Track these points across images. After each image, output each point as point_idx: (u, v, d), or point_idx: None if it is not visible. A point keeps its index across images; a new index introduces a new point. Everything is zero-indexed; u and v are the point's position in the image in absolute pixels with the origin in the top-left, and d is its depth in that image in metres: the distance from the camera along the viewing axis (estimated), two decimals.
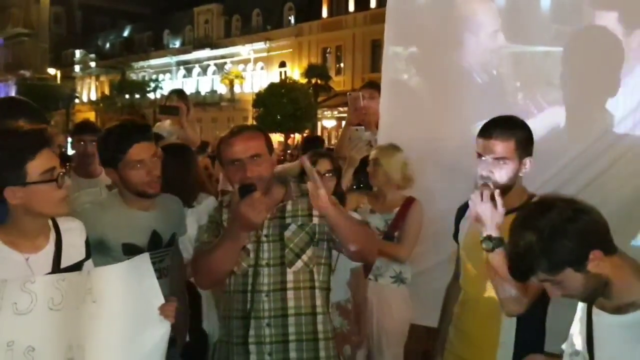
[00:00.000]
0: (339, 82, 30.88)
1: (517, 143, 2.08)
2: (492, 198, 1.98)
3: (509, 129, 2.10)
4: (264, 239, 2.18)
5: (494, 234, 1.96)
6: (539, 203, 1.65)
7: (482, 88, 3.19)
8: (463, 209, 2.35)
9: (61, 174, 1.77)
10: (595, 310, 1.60)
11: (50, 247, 1.82)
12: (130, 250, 2.27)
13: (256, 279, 2.15)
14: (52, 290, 1.66)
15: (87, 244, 1.98)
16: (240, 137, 2.18)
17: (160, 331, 1.87)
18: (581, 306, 1.67)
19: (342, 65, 33.01)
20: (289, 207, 2.22)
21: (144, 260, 1.91)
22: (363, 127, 3.60)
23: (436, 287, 3.25)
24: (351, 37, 31.82)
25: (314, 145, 4.92)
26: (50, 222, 1.88)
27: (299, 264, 2.17)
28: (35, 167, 1.70)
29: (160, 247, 2.38)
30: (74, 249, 1.89)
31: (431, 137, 3.35)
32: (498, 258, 1.93)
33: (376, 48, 27.75)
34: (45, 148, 1.74)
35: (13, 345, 1.56)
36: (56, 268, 1.80)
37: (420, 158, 3.35)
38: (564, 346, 1.79)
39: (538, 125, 3.00)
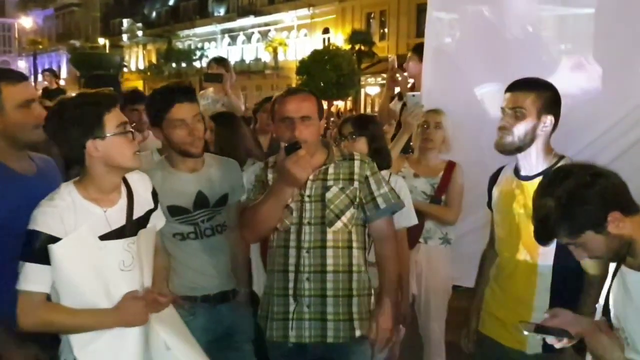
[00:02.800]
0: (382, 48, 30.32)
1: (536, 97, 2.13)
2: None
3: (531, 84, 2.17)
4: (307, 199, 2.28)
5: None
6: (558, 171, 1.70)
7: (524, 52, 3.15)
8: (495, 176, 2.41)
9: (131, 128, 1.93)
10: (625, 269, 1.64)
11: (123, 201, 1.96)
12: (176, 212, 2.42)
13: (299, 236, 2.27)
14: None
15: (154, 193, 2.12)
16: (294, 97, 2.28)
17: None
18: (613, 265, 1.71)
19: (386, 30, 32.35)
20: (330, 169, 2.31)
21: None
22: (419, 93, 3.55)
23: (476, 250, 3.31)
24: (396, 1, 31.11)
25: None
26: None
27: (339, 224, 2.28)
28: (112, 120, 1.86)
29: (207, 207, 2.48)
30: (142, 200, 2.04)
31: (473, 101, 3.35)
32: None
33: (421, 12, 26.92)
34: (116, 105, 1.90)
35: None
36: (129, 219, 1.95)
37: (462, 122, 3.37)
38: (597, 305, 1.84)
39: (578, 91, 2.97)
